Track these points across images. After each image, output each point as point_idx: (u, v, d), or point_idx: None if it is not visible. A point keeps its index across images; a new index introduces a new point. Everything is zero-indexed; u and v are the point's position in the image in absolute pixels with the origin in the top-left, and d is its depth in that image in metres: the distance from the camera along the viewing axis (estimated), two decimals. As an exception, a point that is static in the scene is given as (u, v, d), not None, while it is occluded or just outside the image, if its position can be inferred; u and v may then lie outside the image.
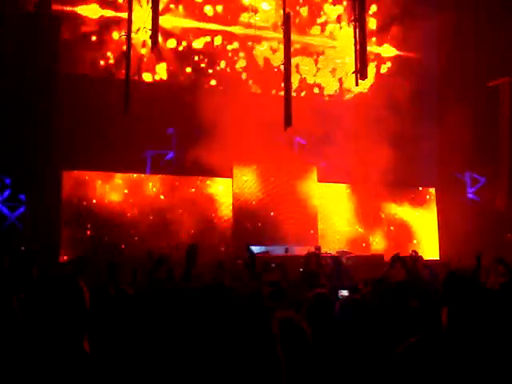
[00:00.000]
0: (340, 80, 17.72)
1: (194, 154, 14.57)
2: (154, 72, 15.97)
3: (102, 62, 15.27)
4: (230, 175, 16.02)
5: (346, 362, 3.08)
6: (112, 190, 15.02)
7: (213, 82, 16.44)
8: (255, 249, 15.04)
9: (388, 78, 17.68)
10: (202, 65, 16.37)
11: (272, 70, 16.37)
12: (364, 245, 17.23)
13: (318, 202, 16.87)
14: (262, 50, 16.83)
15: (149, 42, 13.10)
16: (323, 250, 14.78)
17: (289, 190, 16.50)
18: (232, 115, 14.32)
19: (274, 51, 16.78)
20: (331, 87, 17.72)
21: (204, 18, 16.32)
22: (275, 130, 12.69)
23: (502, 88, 16.89)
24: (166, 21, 15.39)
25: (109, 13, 15.28)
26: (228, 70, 16.65)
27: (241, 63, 16.75)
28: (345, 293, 4.46)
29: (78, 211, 14.47)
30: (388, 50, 18.25)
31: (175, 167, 15.58)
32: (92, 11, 15.16)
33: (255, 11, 16.63)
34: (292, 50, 13.36)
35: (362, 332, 3.34)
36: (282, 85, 12.93)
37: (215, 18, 16.43)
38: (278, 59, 15.77)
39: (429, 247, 17.88)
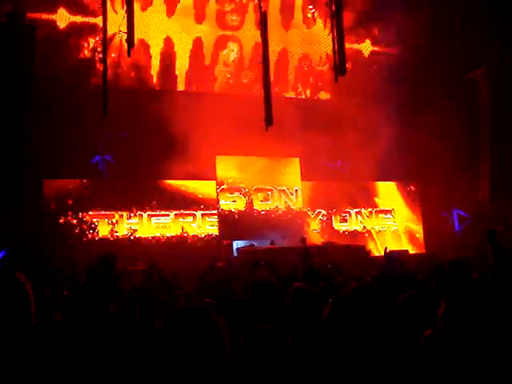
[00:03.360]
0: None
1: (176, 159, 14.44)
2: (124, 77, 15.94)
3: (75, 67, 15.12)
4: (214, 177, 16.03)
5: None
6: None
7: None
8: (241, 243, 15.10)
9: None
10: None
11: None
12: None
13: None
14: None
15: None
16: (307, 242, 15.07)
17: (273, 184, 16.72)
18: (211, 119, 14.24)
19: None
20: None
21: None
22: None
23: (479, 79, 17.00)
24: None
25: (82, 19, 15.16)
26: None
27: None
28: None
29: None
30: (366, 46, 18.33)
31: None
32: (65, 17, 14.98)
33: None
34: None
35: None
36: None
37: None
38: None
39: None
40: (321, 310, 3.25)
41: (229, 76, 17.13)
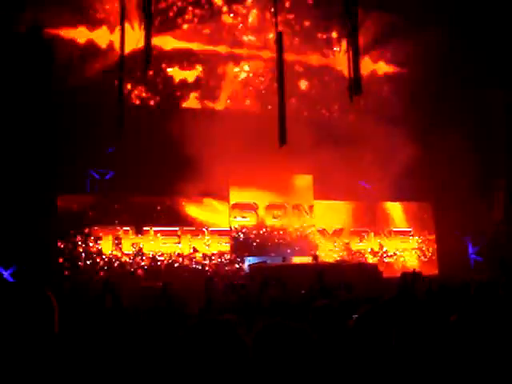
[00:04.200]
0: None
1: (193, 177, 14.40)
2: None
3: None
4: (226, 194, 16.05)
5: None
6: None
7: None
8: (253, 260, 15.11)
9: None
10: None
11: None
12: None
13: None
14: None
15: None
16: (320, 260, 15.24)
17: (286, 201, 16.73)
18: (223, 136, 14.26)
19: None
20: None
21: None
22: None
23: (496, 102, 16.94)
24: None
25: (100, 35, 15.36)
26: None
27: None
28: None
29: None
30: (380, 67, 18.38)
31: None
32: (84, 34, 15.19)
33: None
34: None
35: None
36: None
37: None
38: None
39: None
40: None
41: (238, 94, 17.15)
